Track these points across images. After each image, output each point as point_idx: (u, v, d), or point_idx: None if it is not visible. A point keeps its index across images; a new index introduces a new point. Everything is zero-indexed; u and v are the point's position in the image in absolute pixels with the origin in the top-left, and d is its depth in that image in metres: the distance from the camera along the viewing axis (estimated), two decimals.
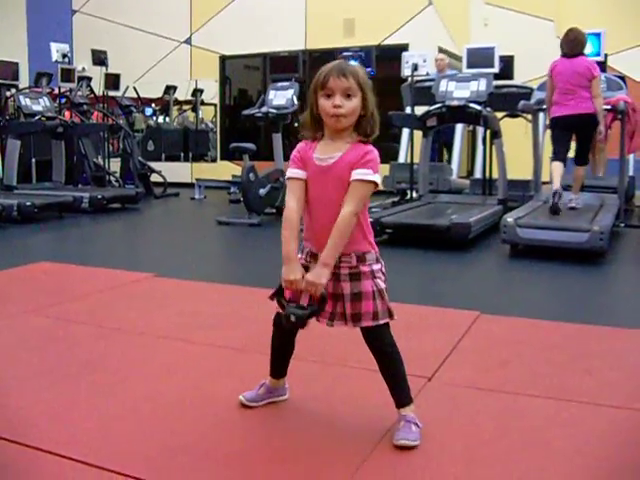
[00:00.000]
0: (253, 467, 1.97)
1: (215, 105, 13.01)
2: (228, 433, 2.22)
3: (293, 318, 2.06)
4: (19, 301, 3.89)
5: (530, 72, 9.47)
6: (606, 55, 8.06)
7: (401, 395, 2.18)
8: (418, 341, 3.11)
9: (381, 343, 2.16)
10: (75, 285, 4.34)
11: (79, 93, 10.74)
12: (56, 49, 9.99)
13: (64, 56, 10.06)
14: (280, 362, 2.37)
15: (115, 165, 10.86)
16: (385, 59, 10.38)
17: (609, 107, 6.77)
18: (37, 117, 8.97)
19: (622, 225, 6.92)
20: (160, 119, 14.57)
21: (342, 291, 2.12)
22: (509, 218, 5.63)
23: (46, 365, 2.85)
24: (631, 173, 8.34)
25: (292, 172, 2.15)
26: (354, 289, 2.11)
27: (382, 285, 2.15)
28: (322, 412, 2.37)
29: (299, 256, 2.16)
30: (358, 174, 2.04)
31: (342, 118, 2.07)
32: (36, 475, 1.96)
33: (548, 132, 6.70)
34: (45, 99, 9.29)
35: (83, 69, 11.63)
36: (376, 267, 2.15)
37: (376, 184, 2.07)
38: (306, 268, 2.12)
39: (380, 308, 2.11)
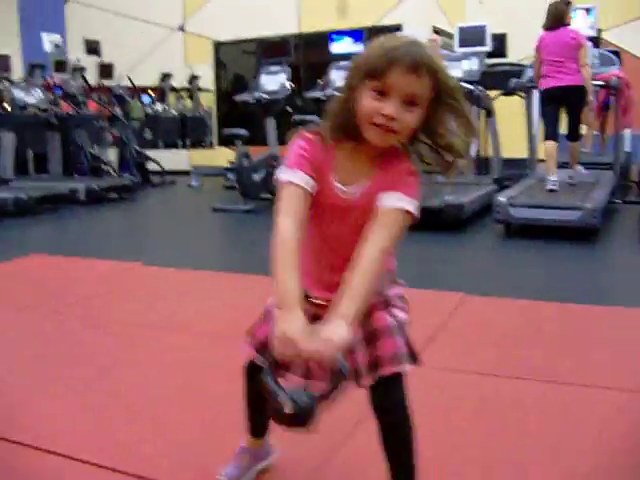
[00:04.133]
0: None
1: (211, 91, 12.96)
2: (221, 427, 2.22)
3: (289, 408, 1.27)
4: (11, 294, 3.90)
5: (525, 50, 9.40)
6: (600, 30, 7.99)
7: None
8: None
9: (395, 404, 1.53)
10: (67, 277, 4.35)
11: (73, 83, 10.70)
12: (48, 39, 9.96)
13: (57, 46, 10.03)
14: (260, 419, 1.78)
15: (112, 155, 10.84)
16: None
17: (602, 83, 6.72)
18: (30, 109, 8.96)
19: (619, 202, 6.90)
20: (158, 107, 14.51)
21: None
22: (502, 197, 5.61)
23: (34, 357, 2.86)
24: (628, 149, 8.31)
25: (294, 175, 1.43)
26: (366, 328, 1.51)
27: (402, 316, 1.57)
28: None
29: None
30: (386, 199, 1.42)
31: (391, 135, 1.40)
32: (28, 472, 1.97)
33: None
34: (38, 91, 9.26)
35: (77, 59, 11.58)
36: (392, 292, 1.57)
37: (412, 214, 1.42)
38: None
39: (401, 350, 1.53)
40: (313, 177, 1.44)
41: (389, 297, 1.55)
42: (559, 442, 2.04)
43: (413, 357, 1.57)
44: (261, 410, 1.69)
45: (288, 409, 1.25)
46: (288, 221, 1.40)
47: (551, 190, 6.01)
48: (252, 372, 1.68)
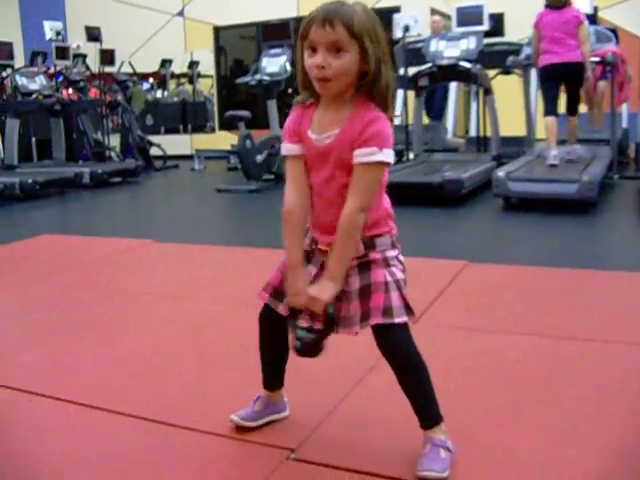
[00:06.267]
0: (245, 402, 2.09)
1: (211, 76, 13.04)
2: (224, 373, 2.36)
3: (298, 344, 1.68)
4: (24, 271, 4.03)
5: (523, 29, 9.47)
6: (596, 8, 8.07)
7: (426, 414, 1.76)
8: (407, 289, 3.24)
9: (397, 350, 1.71)
10: (77, 254, 4.48)
11: (75, 70, 10.79)
12: (50, 27, 10.02)
13: (58, 34, 10.10)
14: (273, 370, 1.94)
15: (115, 141, 10.95)
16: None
17: (598, 59, 6.81)
18: (34, 96, 9.05)
19: (616, 177, 7.01)
20: (158, 93, 14.62)
21: (349, 287, 1.70)
22: (500, 172, 5.72)
23: (51, 325, 2.99)
24: (625, 125, 8.40)
25: (286, 148, 1.73)
26: (363, 282, 1.70)
27: (399, 275, 1.72)
28: None
29: (305, 241, 1.77)
30: (360, 155, 1.59)
31: (328, 83, 1.60)
32: (46, 420, 2.10)
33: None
34: (41, 77, 9.34)
35: (78, 46, 11.65)
36: (391, 254, 1.73)
37: (385, 164, 1.62)
38: (307, 255, 1.76)
39: (395, 302, 1.67)
40: (297, 141, 1.71)
41: (389, 257, 1.73)
42: (551, 388, 2.17)
43: (408, 310, 1.71)
44: (273, 361, 1.92)
45: (297, 346, 1.68)
46: (290, 192, 1.71)
47: (552, 165, 6.12)
48: (265, 319, 1.88)
